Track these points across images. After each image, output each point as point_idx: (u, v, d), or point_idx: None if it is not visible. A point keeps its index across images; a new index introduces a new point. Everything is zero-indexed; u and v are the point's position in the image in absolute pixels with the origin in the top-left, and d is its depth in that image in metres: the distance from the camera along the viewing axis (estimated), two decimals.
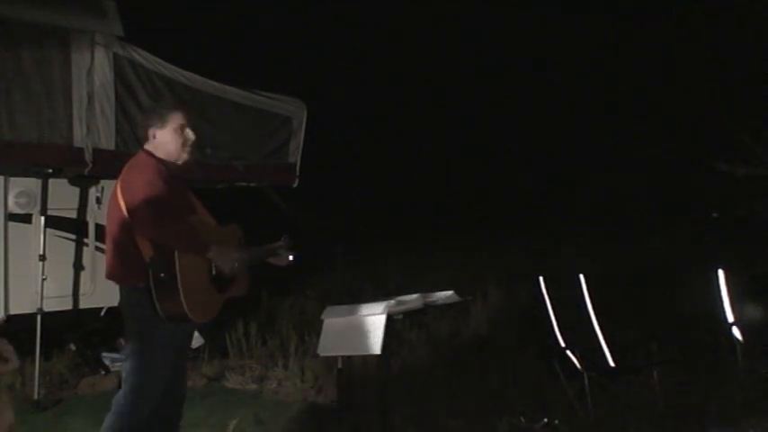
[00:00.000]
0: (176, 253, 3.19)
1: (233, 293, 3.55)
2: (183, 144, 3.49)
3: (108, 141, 5.66)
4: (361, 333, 3.38)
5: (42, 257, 5.23)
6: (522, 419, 4.38)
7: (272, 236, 3.91)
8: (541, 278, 5.01)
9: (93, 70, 5.54)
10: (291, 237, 3.91)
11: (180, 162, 3.53)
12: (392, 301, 3.49)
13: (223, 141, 6.37)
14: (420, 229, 12.71)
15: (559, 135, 15.40)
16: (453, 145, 16.56)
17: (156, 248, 3.22)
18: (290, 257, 3.88)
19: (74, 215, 5.73)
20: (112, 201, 3.43)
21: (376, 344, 3.29)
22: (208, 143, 6.22)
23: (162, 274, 3.19)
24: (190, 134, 3.51)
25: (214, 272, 3.40)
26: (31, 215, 5.46)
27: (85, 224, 5.77)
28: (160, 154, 3.47)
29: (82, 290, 5.72)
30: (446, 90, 17.21)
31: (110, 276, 3.47)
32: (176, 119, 3.49)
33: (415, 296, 3.65)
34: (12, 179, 5.42)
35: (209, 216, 3.71)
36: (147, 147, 3.49)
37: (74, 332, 6.06)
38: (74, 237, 5.71)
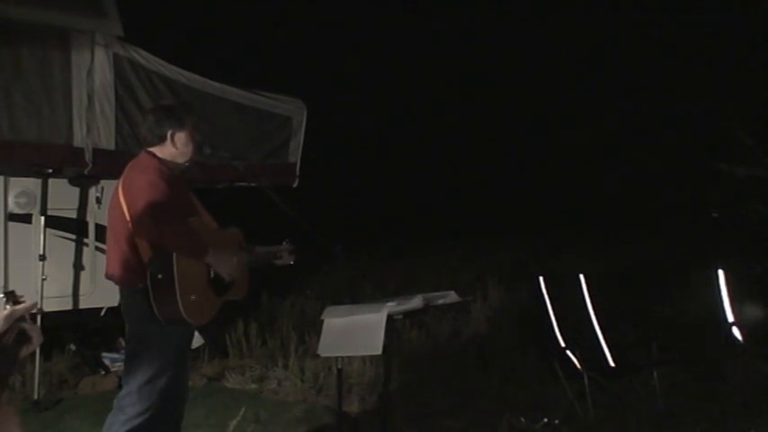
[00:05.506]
0: (174, 255, 3.19)
1: (231, 296, 3.55)
2: (195, 145, 3.53)
3: (108, 141, 5.65)
4: (361, 333, 3.37)
5: (42, 257, 5.22)
6: (522, 419, 4.38)
7: (273, 236, 3.91)
8: (541, 278, 5.01)
9: (93, 70, 5.54)
10: (292, 240, 3.91)
11: (187, 163, 3.54)
12: (392, 302, 3.49)
13: (223, 141, 6.34)
14: (420, 229, 12.71)
15: (559, 135, 15.42)
16: (453, 145, 16.55)
17: (154, 250, 3.22)
18: (291, 262, 3.89)
19: (74, 215, 5.72)
20: (114, 201, 3.42)
21: (376, 344, 3.28)
22: (207, 143, 6.22)
23: (159, 276, 3.19)
24: (197, 136, 3.55)
25: (212, 274, 3.40)
26: (31, 215, 5.45)
27: (85, 224, 5.76)
28: (165, 155, 3.45)
29: (82, 290, 5.71)
30: (446, 90, 17.21)
31: (110, 276, 3.48)
32: (190, 120, 3.53)
33: (415, 296, 3.64)
34: (12, 179, 5.40)
35: (210, 218, 3.70)
36: (152, 148, 3.47)
37: (74, 332, 6.06)
38: (74, 237, 5.70)
